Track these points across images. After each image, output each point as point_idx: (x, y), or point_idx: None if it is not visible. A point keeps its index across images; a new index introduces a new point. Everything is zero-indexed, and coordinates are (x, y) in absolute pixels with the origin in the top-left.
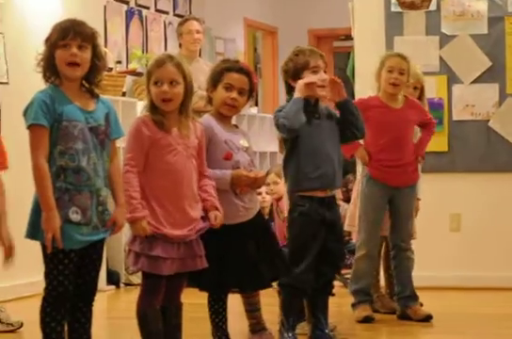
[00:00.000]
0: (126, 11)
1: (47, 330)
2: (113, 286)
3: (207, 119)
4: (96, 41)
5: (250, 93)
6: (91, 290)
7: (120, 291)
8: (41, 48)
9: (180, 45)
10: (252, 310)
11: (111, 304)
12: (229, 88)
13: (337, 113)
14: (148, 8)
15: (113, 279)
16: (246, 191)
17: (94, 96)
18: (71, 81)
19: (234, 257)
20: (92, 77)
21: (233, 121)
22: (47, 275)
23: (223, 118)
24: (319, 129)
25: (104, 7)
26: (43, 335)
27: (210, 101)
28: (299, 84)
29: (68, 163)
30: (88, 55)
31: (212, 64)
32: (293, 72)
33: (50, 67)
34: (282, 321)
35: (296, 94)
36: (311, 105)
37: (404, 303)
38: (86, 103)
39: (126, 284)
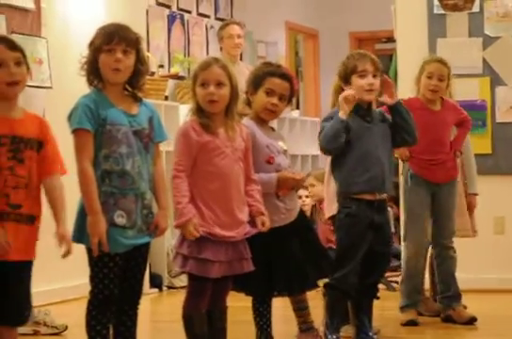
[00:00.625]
0: (168, 15)
1: (92, 333)
2: (156, 289)
3: (248, 123)
4: (140, 46)
5: (290, 99)
6: (137, 293)
7: (163, 294)
8: (85, 52)
9: (221, 49)
10: (299, 308)
11: (154, 307)
12: (270, 92)
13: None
14: (189, 12)
15: (156, 282)
16: (287, 193)
17: (137, 100)
18: (114, 85)
19: (280, 260)
20: (135, 81)
21: (274, 124)
22: (93, 278)
23: (262, 121)
24: (370, 133)
25: (147, 11)
26: (89, 338)
27: (249, 103)
28: (339, 100)
29: (112, 167)
30: (131, 60)
31: (252, 67)
32: (343, 77)
33: (93, 71)
34: (327, 323)
35: (340, 112)
36: (363, 109)
37: (447, 303)
38: (129, 106)
39: (169, 287)
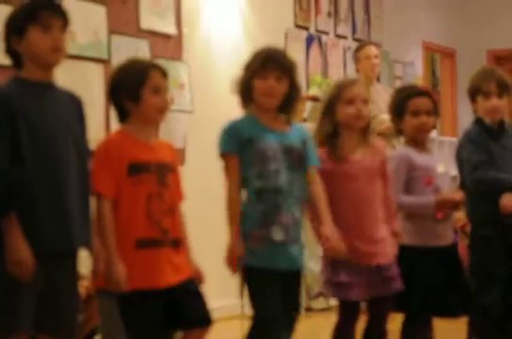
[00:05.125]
0: (306, 38)
1: None
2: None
3: (402, 151)
4: (294, 73)
5: (435, 112)
6: (293, 318)
7: (301, 316)
8: (233, 72)
9: (357, 70)
10: None
11: None
12: (416, 113)
13: None
14: (327, 33)
15: None
16: (445, 216)
17: (289, 122)
18: (266, 110)
19: (425, 280)
20: (288, 107)
21: None
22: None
23: (418, 144)
24: (503, 151)
25: (285, 33)
26: None
27: (400, 131)
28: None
29: (263, 184)
30: (284, 86)
31: (390, 88)
32: (470, 94)
33: (247, 93)
34: None
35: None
36: (494, 130)
37: None
38: (279, 126)
39: (307, 310)
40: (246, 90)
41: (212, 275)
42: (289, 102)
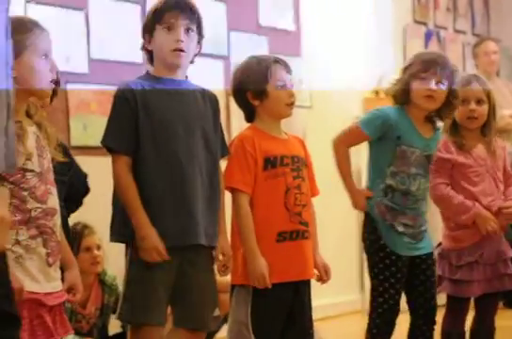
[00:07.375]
0: (425, 33)
1: None
2: None
3: None
4: (453, 79)
5: None
6: (432, 307)
7: None
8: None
9: (476, 66)
10: None
11: None
12: None
13: None
14: (446, 28)
15: None
16: None
17: (435, 127)
18: (420, 110)
19: None
20: (443, 112)
21: None
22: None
23: None
24: None
25: (404, 29)
26: None
27: None
28: None
29: (398, 185)
30: (445, 91)
31: (511, 84)
32: None
33: (405, 94)
34: None
35: None
36: None
37: None
38: (426, 130)
39: None
40: (404, 92)
41: (333, 271)
42: (446, 107)
